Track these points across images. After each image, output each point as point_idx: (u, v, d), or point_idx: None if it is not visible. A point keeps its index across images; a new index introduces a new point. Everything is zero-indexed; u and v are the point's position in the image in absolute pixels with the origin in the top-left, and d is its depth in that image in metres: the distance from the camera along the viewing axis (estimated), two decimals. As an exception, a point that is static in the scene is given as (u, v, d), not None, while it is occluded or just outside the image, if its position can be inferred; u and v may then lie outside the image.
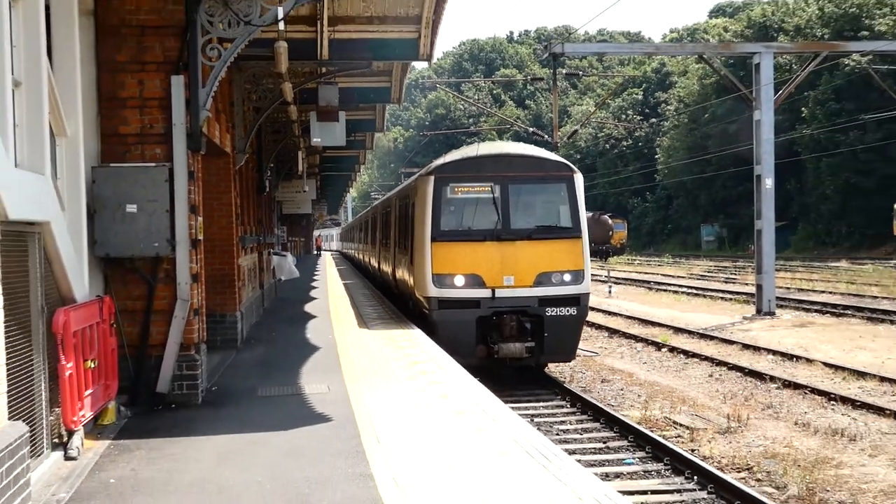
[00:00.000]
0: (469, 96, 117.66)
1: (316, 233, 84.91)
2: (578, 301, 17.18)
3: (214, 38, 10.90)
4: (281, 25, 12.52)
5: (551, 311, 16.85)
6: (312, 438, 9.15)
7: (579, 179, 17.98)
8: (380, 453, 8.42)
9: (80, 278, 9.18)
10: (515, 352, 16.60)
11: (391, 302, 25.27)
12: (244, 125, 17.89)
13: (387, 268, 26.89)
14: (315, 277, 40.50)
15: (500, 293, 16.80)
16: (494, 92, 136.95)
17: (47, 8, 8.81)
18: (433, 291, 17.00)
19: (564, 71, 36.34)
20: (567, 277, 17.11)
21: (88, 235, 10.01)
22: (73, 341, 8.34)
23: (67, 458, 8.41)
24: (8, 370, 6.74)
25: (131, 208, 10.34)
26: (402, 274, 21.33)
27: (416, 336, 16.90)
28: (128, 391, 10.66)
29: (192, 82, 10.79)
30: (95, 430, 9.56)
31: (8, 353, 6.76)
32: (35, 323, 7.88)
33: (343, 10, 14.85)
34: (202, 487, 7.50)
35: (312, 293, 30.57)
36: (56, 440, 8.45)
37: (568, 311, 16.96)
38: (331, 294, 29.53)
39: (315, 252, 79.29)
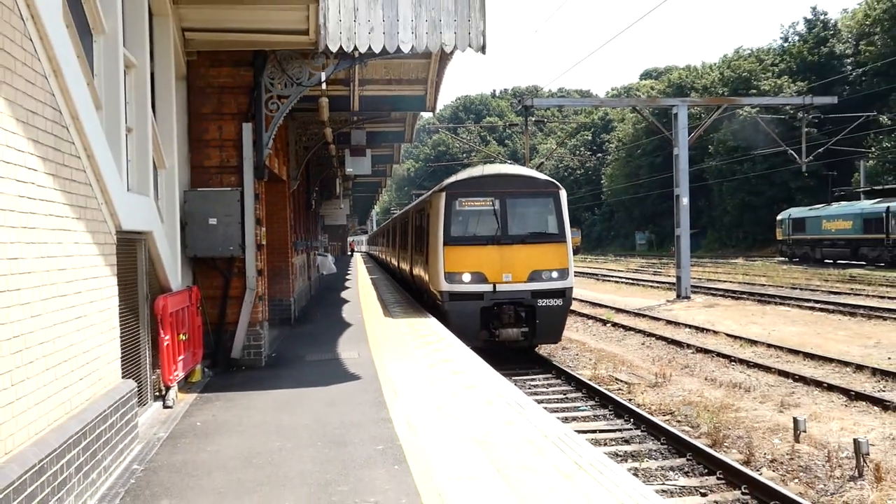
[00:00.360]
0: (463, 137, 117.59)
1: (349, 239, 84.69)
2: (564, 294, 16.17)
3: (274, 95, 10.92)
4: (323, 86, 12.52)
5: (542, 302, 15.89)
6: (346, 392, 9.17)
7: (563, 194, 16.98)
8: (396, 403, 8.44)
9: (174, 273, 9.20)
10: (512, 336, 15.68)
11: (406, 291, 25.25)
12: (296, 159, 17.90)
13: (405, 266, 25.43)
14: (348, 273, 40.49)
15: (500, 288, 15.84)
16: (481, 134, 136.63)
17: (152, 74, 8.84)
18: (445, 286, 15.96)
19: (533, 119, 36.26)
20: (554, 274, 16.07)
21: (181, 241, 10.04)
22: (169, 320, 8.38)
23: (165, 406, 8.45)
24: (121, 341, 6.76)
25: (212, 221, 10.37)
26: (419, 272, 20.00)
27: (425, 318, 16.89)
28: (210, 357, 10.70)
29: (257, 128, 10.83)
30: (186, 386, 9.59)
31: (122, 329, 6.79)
32: (141, 306, 7.91)
33: (369, 74, 14.87)
34: (264, 428, 7.52)
35: (346, 284, 30.58)
36: (157, 393, 8.49)
37: (555, 302, 16.02)
38: (360, 285, 29.53)
39: (349, 253, 79.17)
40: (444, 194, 16.59)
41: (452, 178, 17.89)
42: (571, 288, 16.46)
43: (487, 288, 15.88)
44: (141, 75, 8.23)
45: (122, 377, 6.73)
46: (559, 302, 16.11)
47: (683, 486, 8.72)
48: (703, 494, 8.45)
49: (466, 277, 15.99)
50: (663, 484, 8.77)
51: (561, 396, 13.48)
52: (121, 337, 6.73)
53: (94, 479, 5.55)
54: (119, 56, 7.16)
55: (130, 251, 7.60)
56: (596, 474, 5.84)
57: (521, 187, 16.81)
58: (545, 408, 9.53)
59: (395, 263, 30.83)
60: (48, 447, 4.71)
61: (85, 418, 5.42)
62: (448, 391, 8.97)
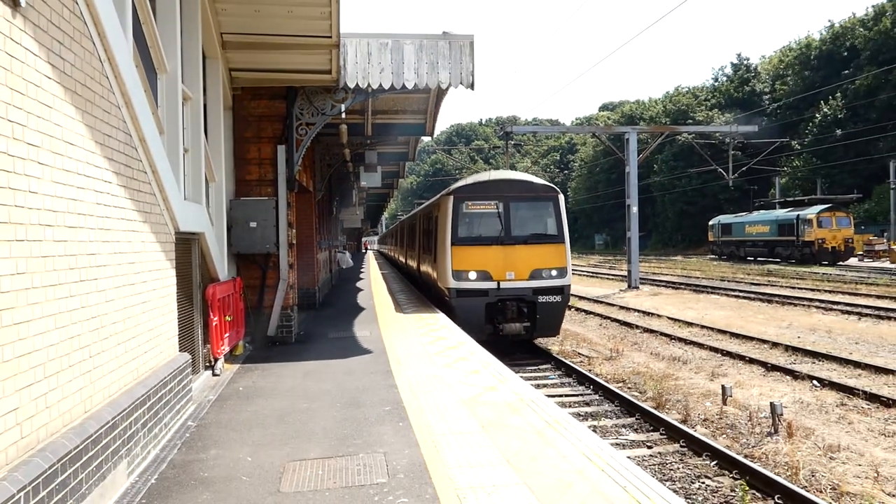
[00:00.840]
0: (455, 157, 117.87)
1: (363, 239, 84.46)
2: (562, 291, 14.33)
3: (303, 122, 10.90)
4: (343, 115, 12.53)
5: (542, 299, 14.09)
6: (360, 363, 9.17)
7: (561, 199, 15.10)
8: (401, 372, 8.44)
9: (222, 266, 9.18)
10: (515, 330, 13.94)
11: (412, 283, 25.17)
12: (321, 174, 17.87)
13: (413, 263, 23.03)
14: (362, 268, 40.42)
15: (503, 285, 14.00)
16: (471, 155, 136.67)
17: (205, 105, 8.83)
18: (453, 283, 14.09)
19: (513, 142, 36.24)
20: (553, 273, 14.24)
21: (227, 240, 10.01)
22: (218, 304, 8.37)
23: (214, 374, 8.43)
24: (179, 321, 6.76)
25: (253, 224, 10.34)
26: (427, 269, 17.82)
27: (428, 306, 16.85)
28: (250, 334, 10.68)
29: (289, 149, 10.81)
30: (231, 358, 9.57)
31: (179, 311, 6.78)
32: (195, 293, 7.89)
33: (380, 106, 14.86)
34: (294, 392, 7.52)
35: (360, 276, 30.53)
36: (207, 364, 8.47)
37: (554, 298, 14.19)
38: (372, 278, 29.50)
39: (363, 251, 78.95)
40: (451, 197, 14.71)
41: (460, 183, 15.81)
42: (569, 285, 14.64)
43: (492, 285, 14.11)
44: (196, 106, 8.21)
45: (179, 350, 6.72)
46: (558, 298, 14.33)
47: (633, 440, 8.75)
48: (649, 447, 8.48)
49: (472, 275, 14.17)
50: (617, 438, 8.80)
51: (534, 367, 13.48)
52: (178, 318, 6.72)
53: (156, 433, 5.56)
54: (178, 91, 7.15)
55: (186, 248, 7.59)
56: (562, 430, 5.86)
57: (522, 192, 14.89)
58: (521, 376, 9.55)
59: (403, 260, 29.20)
60: (120, 407, 4.71)
61: (149, 384, 5.42)
62: (443, 363, 8.98)
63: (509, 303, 14.16)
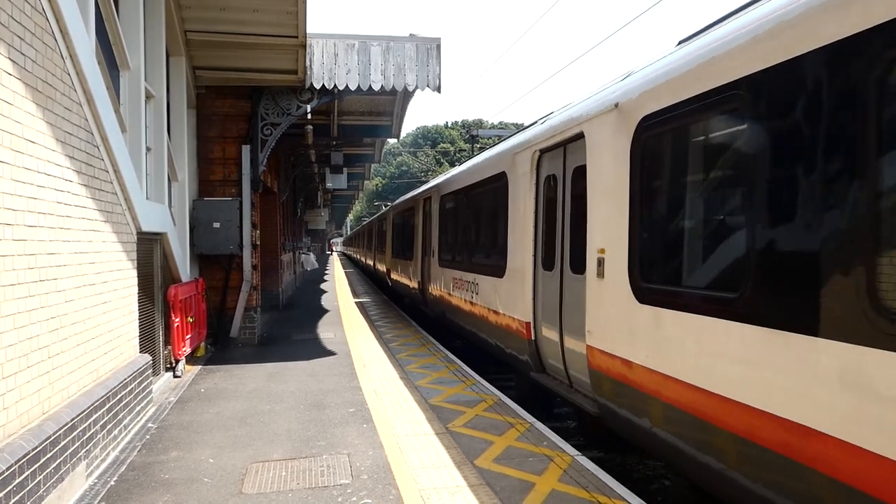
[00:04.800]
0: (421, 160, 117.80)
1: (329, 241, 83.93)
2: None
3: (268, 122, 10.84)
4: (309, 116, 12.44)
5: None
6: (324, 365, 9.15)
7: None
8: (365, 374, 8.45)
9: (184, 267, 9.09)
10: None
11: (374, 284, 25.05)
12: (286, 175, 17.76)
13: (441, 291, 11.82)
14: (327, 269, 40.20)
15: None
16: (437, 157, 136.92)
17: (168, 103, 8.74)
18: None
19: (479, 145, 36.40)
20: None
21: (190, 241, 9.91)
22: (179, 305, 8.28)
23: (175, 376, 8.35)
24: (139, 322, 6.69)
25: (216, 225, 10.25)
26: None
27: (382, 297, 16.83)
28: (213, 336, 10.58)
29: (254, 150, 10.74)
30: (192, 359, 9.48)
31: (140, 312, 6.72)
32: (156, 294, 7.81)
33: (346, 106, 14.82)
34: (257, 394, 7.49)
35: (325, 278, 30.37)
36: (168, 366, 8.38)
37: None
38: (336, 279, 29.36)
39: (328, 252, 78.37)
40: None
41: None
42: None
43: None
44: (159, 104, 8.13)
45: (140, 352, 6.65)
46: None
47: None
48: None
49: None
50: (579, 440, 8.90)
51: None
52: (139, 319, 6.65)
53: (115, 435, 5.49)
54: (141, 88, 7.08)
55: (148, 249, 7.51)
56: (525, 431, 5.94)
57: None
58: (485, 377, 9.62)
59: (364, 259, 19.47)
60: (78, 408, 4.65)
61: (109, 385, 5.35)
62: (406, 363, 9.01)
63: None
